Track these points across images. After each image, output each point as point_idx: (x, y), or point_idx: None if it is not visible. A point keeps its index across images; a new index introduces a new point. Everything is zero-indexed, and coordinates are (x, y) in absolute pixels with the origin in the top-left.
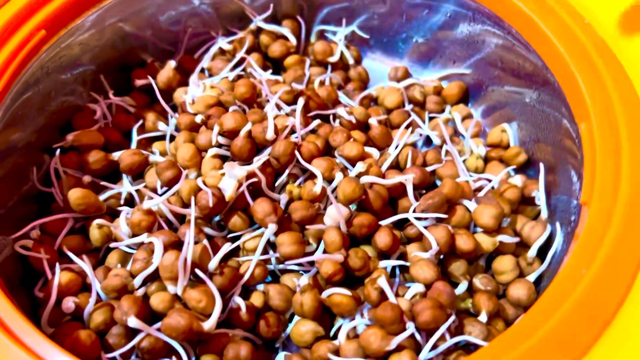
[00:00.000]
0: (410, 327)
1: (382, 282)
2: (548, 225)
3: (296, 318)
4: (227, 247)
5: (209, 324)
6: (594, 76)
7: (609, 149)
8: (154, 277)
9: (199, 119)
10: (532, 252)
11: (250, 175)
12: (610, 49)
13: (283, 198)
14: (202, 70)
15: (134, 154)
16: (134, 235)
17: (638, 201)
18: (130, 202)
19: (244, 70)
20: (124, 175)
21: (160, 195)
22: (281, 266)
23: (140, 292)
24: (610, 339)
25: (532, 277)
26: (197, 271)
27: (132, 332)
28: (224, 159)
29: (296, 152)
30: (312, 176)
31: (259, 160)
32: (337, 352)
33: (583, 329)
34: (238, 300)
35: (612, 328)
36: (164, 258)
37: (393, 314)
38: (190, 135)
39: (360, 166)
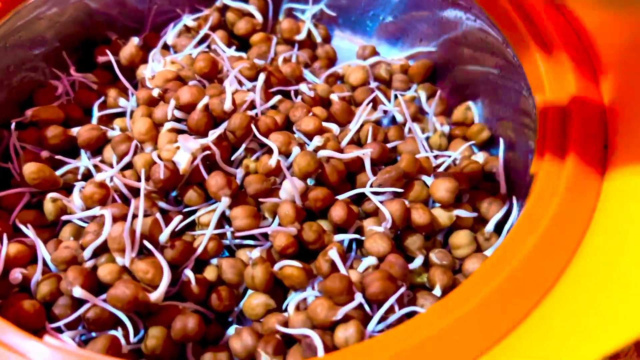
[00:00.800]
0: (358, 298)
1: (333, 254)
2: (507, 201)
3: (249, 292)
4: (177, 220)
5: (155, 295)
6: (548, 48)
7: (559, 119)
8: (105, 249)
9: (155, 92)
10: (489, 226)
11: (205, 148)
12: (567, 22)
13: (239, 172)
14: (167, 48)
15: (92, 129)
16: (87, 209)
17: (583, 170)
18: (88, 177)
19: (208, 47)
20: (82, 151)
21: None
22: (237, 241)
23: (89, 264)
24: (552, 302)
25: (488, 252)
26: (146, 243)
27: (79, 304)
28: (181, 133)
29: (253, 126)
30: (270, 151)
31: (214, 134)
32: (286, 324)
33: (523, 294)
34: (188, 273)
35: (554, 291)
36: (112, 229)
37: (341, 285)
38: (148, 109)
39: (317, 140)
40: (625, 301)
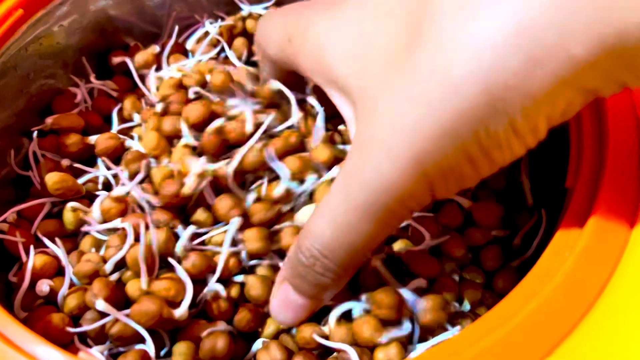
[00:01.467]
0: (406, 326)
1: (379, 265)
2: (534, 213)
3: None
4: (191, 230)
5: (180, 312)
6: None
7: (594, 132)
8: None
9: (159, 107)
10: (517, 239)
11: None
12: None
13: (250, 197)
14: (186, 53)
15: (110, 138)
16: (104, 221)
17: (619, 185)
18: (109, 186)
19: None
20: (99, 160)
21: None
22: (252, 262)
23: (114, 277)
24: (591, 323)
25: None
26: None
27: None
28: (194, 149)
29: (267, 150)
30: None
31: (230, 164)
32: (322, 336)
33: (564, 312)
34: (217, 287)
35: (593, 311)
36: (130, 252)
37: (392, 300)
38: (156, 122)
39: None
40: None
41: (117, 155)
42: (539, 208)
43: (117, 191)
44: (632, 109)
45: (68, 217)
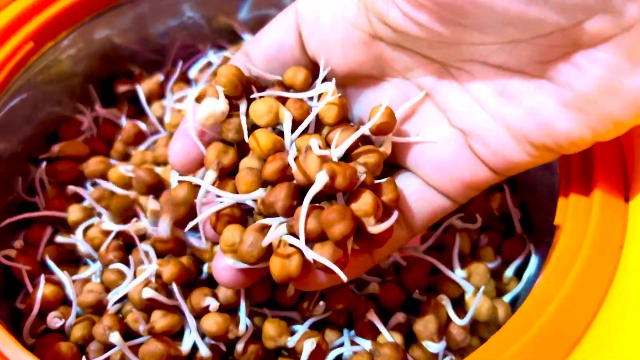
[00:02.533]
0: None
1: (372, 316)
2: (527, 245)
3: None
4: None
5: (185, 348)
6: None
7: (582, 170)
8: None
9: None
10: (509, 271)
11: None
12: None
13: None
14: (189, 82)
15: (100, 162)
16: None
17: (608, 224)
18: None
19: None
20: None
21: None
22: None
23: (114, 309)
24: (579, 356)
25: (508, 297)
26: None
27: (110, 350)
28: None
29: None
30: None
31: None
32: None
33: (552, 348)
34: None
35: (580, 347)
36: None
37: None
38: None
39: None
40: None
41: (105, 178)
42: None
43: (105, 226)
44: (618, 149)
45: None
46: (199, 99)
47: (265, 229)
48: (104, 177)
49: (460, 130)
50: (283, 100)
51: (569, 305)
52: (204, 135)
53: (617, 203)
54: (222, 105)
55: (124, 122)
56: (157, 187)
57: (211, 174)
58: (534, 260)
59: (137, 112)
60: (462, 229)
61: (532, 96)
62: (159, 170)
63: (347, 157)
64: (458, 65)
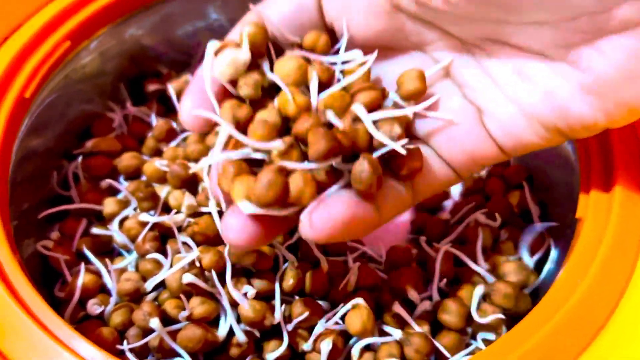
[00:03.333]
0: None
1: (398, 308)
2: (547, 240)
3: None
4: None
5: (222, 333)
6: None
7: (603, 166)
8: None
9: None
10: (529, 265)
11: None
12: None
13: None
14: None
15: (133, 157)
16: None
17: (629, 217)
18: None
19: None
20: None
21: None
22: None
23: (151, 296)
24: (600, 347)
25: (527, 290)
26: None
27: (148, 335)
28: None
29: None
30: None
31: None
32: None
33: (574, 338)
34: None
35: (601, 337)
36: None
37: (428, 349)
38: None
39: None
40: None
41: (138, 173)
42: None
43: (142, 217)
44: (637, 143)
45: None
46: (218, 52)
47: (282, 171)
48: (137, 171)
49: (475, 106)
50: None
51: (591, 296)
52: (218, 93)
53: (637, 197)
54: (245, 53)
55: (153, 119)
56: (190, 182)
57: (226, 126)
58: (553, 255)
59: (166, 111)
60: (484, 225)
61: (549, 79)
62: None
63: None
64: (477, 43)
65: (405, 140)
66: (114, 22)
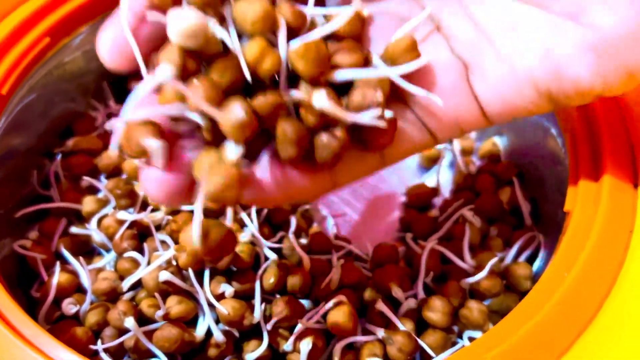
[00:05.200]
0: None
1: (381, 306)
2: (537, 237)
3: None
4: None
5: (199, 334)
6: None
7: (591, 158)
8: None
9: None
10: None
11: None
12: None
13: None
14: None
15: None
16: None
17: (618, 209)
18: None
19: None
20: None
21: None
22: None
23: (128, 296)
24: (588, 339)
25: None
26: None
27: (124, 335)
28: None
29: None
30: None
31: None
32: None
33: (561, 332)
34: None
35: (591, 329)
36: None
37: (412, 348)
38: None
39: None
40: None
41: (118, 172)
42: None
43: (121, 215)
44: (626, 137)
45: None
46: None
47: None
48: (118, 170)
49: (462, 61)
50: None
51: (579, 288)
52: (142, 27)
53: (626, 189)
54: (194, 15)
55: None
56: None
57: (167, 69)
58: (543, 251)
59: None
60: (471, 222)
61: (548, 35)
62: None
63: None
64: None
65: (379, 111)
66: (96, 19)
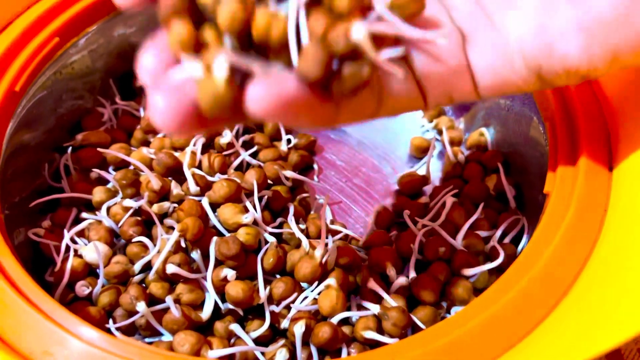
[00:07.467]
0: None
1: (373, 285)
2: (521, 219)
3: None
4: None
5: (205, 314)
6: None
7: (569, 143)
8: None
9: None
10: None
11: None
12: None
13: None
14: None
15: (120, 149)
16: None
17: (593, 190)
18: None
19: None
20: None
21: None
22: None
23: (138, 278)
24: (563, 311)
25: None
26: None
27: (134, 315)
28: None
29: None
30: None
31: None
32: None
33: (539, 301)
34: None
35: (565, 301)
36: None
37: (406, 322)
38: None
39: None
40: (626, 301)
41: (126, 164)
42: (525, 214)
43: (127, 203)
44: (602, 124)
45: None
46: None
47: None
48: (126, 162)
49: (460, 32)
50: None
51: (557, 261)
52: None
53: (601, 171)
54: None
55: (142, 113)
56: (176, 170)
57: None
58: (527, 234)
59: None
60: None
61: (543, 12)
62: (177, 154)
63: None
64: None
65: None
66: (102, 20)
